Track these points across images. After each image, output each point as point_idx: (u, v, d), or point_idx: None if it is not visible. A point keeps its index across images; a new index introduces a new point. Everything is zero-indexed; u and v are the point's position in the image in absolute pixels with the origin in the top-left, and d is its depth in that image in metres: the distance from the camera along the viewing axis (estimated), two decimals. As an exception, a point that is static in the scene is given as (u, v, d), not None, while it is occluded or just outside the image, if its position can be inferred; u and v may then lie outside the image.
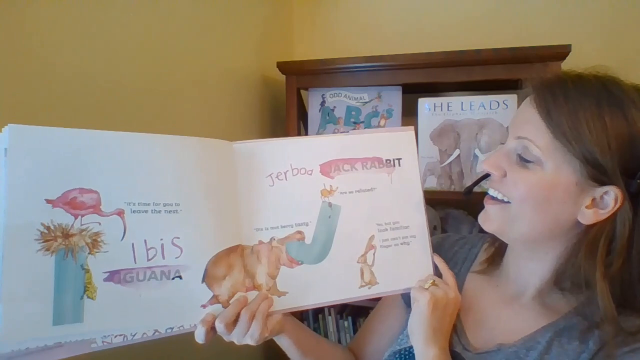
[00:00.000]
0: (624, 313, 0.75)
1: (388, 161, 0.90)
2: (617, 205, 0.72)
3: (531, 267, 0.86)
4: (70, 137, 0.70)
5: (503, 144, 0.85)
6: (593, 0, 1.69)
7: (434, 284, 0.85)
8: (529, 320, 0.84)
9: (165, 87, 1.21)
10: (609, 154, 0.70)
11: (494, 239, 0.95)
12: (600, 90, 0.73)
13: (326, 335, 1.75)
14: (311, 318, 1.97)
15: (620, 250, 0.73)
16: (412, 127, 0.93)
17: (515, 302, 0.88)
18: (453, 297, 0.83)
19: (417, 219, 0.91)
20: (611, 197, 0.72)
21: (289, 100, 1.71)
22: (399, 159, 0.91)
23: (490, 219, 0.84)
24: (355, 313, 1.91)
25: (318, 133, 1.72)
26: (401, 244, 0.90)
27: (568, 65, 1.35)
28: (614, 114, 0.71)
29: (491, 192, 0.84)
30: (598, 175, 0.72)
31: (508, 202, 0.80)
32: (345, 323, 1.83)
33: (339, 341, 1.76)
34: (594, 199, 0.74)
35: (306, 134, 1.75)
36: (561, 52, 1.38)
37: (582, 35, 1.67)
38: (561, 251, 0.81)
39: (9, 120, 0.66)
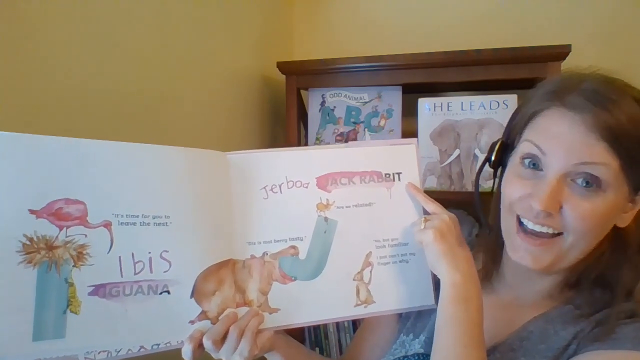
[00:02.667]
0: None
1: (387, 175, 0.87)
2: None
3: (543, 279, 0.84)
4: (56, 145, 0.68)
5: (533, 164, 0.78)
6: (593, 0, 1.68)
7: (426, 220, 0.81)
8: (522, 315, 0.84)
9: (164, 87, 1.20)
10: None
11: (482, 246, 0.93)
12: (633, 102, 0.73)
13: (326, 336, 1.75)
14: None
15: None
16: (415, 140, 0.89)
17: (512, 304, 0.87)
18: (448, 219, 0.79)
19: None
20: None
21: (289, 100, 1.69)
22: (399, 174, 0.88)
23: (540, 258, 0.78)
24: (357, 314, 1.90)
25: (318, 133, 1.70)
26: (399, 261, 0.86)
27: (568, 65, 1.34)
28: None
29: (537, 227, 0.77)
30: None
31: (560, 233, 0.76)
32: (345, 324, 1.81)
33: (339, 342, 1.76)
34: (630, 204, 0.77)
35: (306, 134, 1.74)
36: (561, 52, 1.36)
37: (582, 35, 1.66)
38: (585, 258, 0.79)
39: (2, 126, 0.65)
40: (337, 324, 1.74)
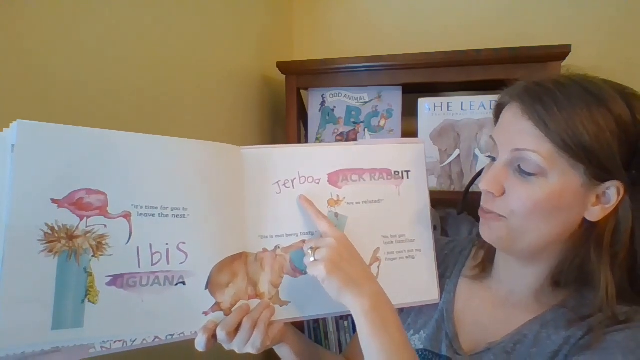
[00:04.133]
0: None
1: (396, 173, 0.89)
2: (620, 198, 0.74)
3: (526, 270, 0.85)
4: (80, 135, 0.68)
5: (492, 158, 0.82)
6: (593, 0, 1.68)
7: (314, 249, 0.78)
8: (517, 317, 0.84)
9: (164, 87, 1.20)
10: (610, 152, 0.71)
11: (482, 243, 0.94)
12: (582, 92, 0.73)
13: (326, 336, 1.75)
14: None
15: (625, 240, 0.75)
16: (423, 140, 0.92)
17: (508, 301, 0.88)
18: (336, 244, 0.77)
19: (423, 232, 0.91)
20: (613, 192, 0.74)
21: (289, 100, 1.69)
22: (407, 172, 0.90)
23: (494, 230, 0.81)
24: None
25: (318, 133, 1.71)
26: (406, 257, 0.89)
27: (568, 65, 1.35)
28: (603, 113, 0.72)
29: (488, 209, 0.81)
30: (602, 173, 0.73)
31: (505, 217, 0.78)
32: (345, 323, 1.82)
33: (339, 342, 1.76)
34: (597, 196, 0.75)
35: (306, 134, 1.74)
36: (561, 52, 1.37)
37: (582, 35, 1.66)
38: (562, 250, 0.80)
39: (6, 120, 0.64)
40: (337, 323, 1.75)
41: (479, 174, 0.88)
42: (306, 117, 1.74)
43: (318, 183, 0.86)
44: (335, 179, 0.86)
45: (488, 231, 0.82)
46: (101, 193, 0.69)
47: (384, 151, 0.90)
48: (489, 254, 0.93)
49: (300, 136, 1.73)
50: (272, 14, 1.86)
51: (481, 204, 0.82)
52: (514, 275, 0.87)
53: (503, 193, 0.78)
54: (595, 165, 0.72)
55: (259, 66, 1.74)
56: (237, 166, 0.82)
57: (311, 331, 1.77)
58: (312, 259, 0.78)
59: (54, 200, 0.66)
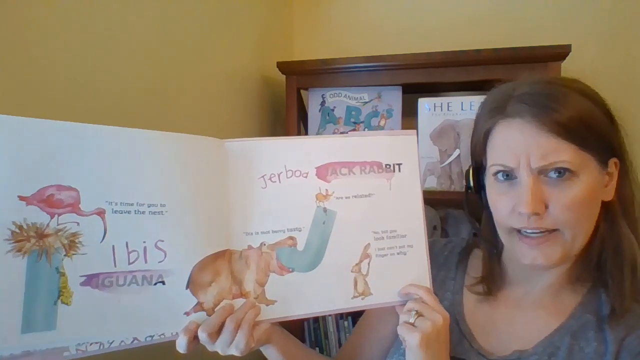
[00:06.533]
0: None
1: (388, 166, 0.86)
2: (617, 169, 0.81)
3: (549, 271, 0.85)
4: (49, 129, 0.65)
5: (506, 176, 0.81)
6: (593, 0, 1.68)
7: (419, 314, 0.78)
8: (541, 320, 0.84)
9: (164, 87, 1.19)
10: (608, 133, 0.78)
11: (487, 257, 0.93)
12: (565, 89, 0.79)
13: (326, 336, 1.74)
14: (311, 318, 1.95)
15: (630, 205, 0.82)
16: (414, 131, 0.88)
17: (523, 301, 0.87)
18: (442, 323, 0.77)
19: (415, 227, 0.86)
20: (613, 167, 0.80)
21: (289, 100, 1.68)
22: (399, 164, 0.86)
23: (550, 254, 0.79)
24: (356, 313, 1.88)
25: (318, 133, 1.70)
26: (397, 253, 0.85)
27: (568, 65, 1.34)
28: (589, 105, 0.77)
29: (535, 233, 0.79)
30: (606, 155, 0.79)
31: (556, 229, 0.78)
32: (345, 323, 1.81)
33: (339, 342, 1.75)
34: (608, 176, 0.80)
35: (306, 134, 1.73)
36: (561, 52, 1.36)
37: (582, 35, 1.66)
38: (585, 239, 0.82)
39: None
40: (337, 323, 1.74)
41: (468, 187, 0.91)
42: (306, 117, 1.73)
43: (306, 177, 0.82)
44: (324, 172, 0.83)
45: (543, 258, 0.79)
46: (73, 189, 0.66)
47: (375, 143, 0.86)
48: (490, 267, 0.92)
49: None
50: (272, 14, 1.86)
51: (520, 226, 0.80)
52: (532, 277, 0.87)
53: (546, 209, 0.77)
54: (602, 150, 0.78)
55: (259, 66, 1.74)
56: (220, 160, 0.79)
57: (311, 331, 1.76)
58: (412, 320, 0.78)
59: (21, 198, 0.63)
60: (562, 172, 0.75)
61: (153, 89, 1.16)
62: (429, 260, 0.86)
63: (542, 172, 0.76)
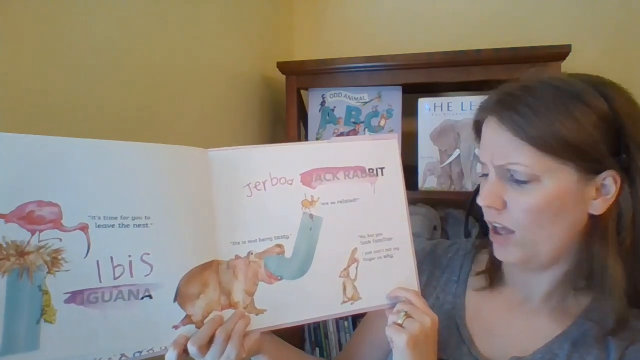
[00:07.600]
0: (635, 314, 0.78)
1: (371, 170, 0.86)
2: (618, 185, 0.74)
3: (541, 276, 0.84)
4: (26, 144, 0.64)
5: (485, 174, 0.83)
6: (593, 0, 1.67)
7: (407, 315, 0.78)
8: (541, 327, 0.84)
9: (164, 87, 1.19)
10: (594, 143, 0.72)
11: (483, 245, 0.93)
12: (554, 91, 0.75)
13: (326, 336, 1.74)
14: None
15: (629, 224, 0.75)
16: (396, 135, 0.89)
17: (523, 307, 0.87)
18: (430, 325, 0.77)
19: (400, 230, 0.87)
20: (610, 182, 0.74)
21: (289, 100, 1.68)
22: (381, 168, 0.87)
23: (509, 253, 0.82)
24: (356, 313, 1.89)
25: (318, 133, 1.70)
26: (384, 256, 0.85)
27: (568, 65, 1.34)
28: (579, 107, 0.73)
29: (497, 225, 0.82)
30: (593, 165, 0.74)
31: (513, 231, 0.79)
32: (345, 323, 1.81)
33: (339, 342, 1.76)
34: (597, 189, 0.75)
35: (306, 134, 1.73)
36: (561, 52, 1.35)
37: (582, 35, 1.65)
38: (575, 251, 0.80)
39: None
40: (337, 323, 1.74)
41: (477, 191, 0.88)
42: (306, 117, 1.73)
43: (291, 184, 0.82)
44: (308, 178, 0.83)
45: (504, 254, 0.83)
46: (54, 205, 0.65)
47: (357, 148, 0.87)
48: (494, 261, 0.92)
49: (300, 136, 1.72)
50: (272, 14, 1.86)
51: (486, 219, 0.83)
52: (529, 281, 0.87)
53: (504, 206, 0.78)
54: (584, 159, 0.73)
55: (259, 66, 1.74)
56: (203, 169, 0.78)
57: (311, 332, 1.76)
58: (400, 320, 0.78)
59: (0, 215, 0.62)
60: (517, 174, 0.75)
61: (153, 90, 1.16)
62: (416, 262, 0.87)
63: (505, 173, 0.77)
